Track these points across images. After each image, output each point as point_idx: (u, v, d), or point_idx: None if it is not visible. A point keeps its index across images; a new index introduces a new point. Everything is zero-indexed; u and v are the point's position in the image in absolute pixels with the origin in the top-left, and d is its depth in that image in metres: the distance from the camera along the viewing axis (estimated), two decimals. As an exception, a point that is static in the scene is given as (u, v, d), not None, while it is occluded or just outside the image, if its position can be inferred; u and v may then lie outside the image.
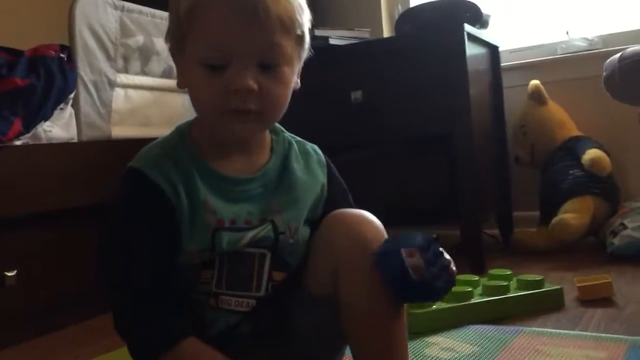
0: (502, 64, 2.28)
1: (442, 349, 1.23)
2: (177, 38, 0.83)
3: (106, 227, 0.86)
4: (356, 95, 2.02)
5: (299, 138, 0.96)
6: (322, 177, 0.93)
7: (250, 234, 0.85)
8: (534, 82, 2.28)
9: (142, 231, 0.82)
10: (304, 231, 0.89)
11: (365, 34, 2.25)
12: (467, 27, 1.89)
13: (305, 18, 0.83)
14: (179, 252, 0.83)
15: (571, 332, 1.28)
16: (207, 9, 0.78)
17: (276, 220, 0.86)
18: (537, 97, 2.27)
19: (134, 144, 1.98)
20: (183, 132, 0.88)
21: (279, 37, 0.79)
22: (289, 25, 0.80)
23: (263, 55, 0.79)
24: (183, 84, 0.85)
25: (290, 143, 0.93)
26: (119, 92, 1.92)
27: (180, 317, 0.81)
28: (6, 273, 1.58)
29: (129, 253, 0.82)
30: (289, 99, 0.86)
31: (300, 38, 0.84)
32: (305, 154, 0.94)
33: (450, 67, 1.87)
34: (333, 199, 0.93)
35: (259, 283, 0.86)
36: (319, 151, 0.96)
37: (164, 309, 0.80)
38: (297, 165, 0.91)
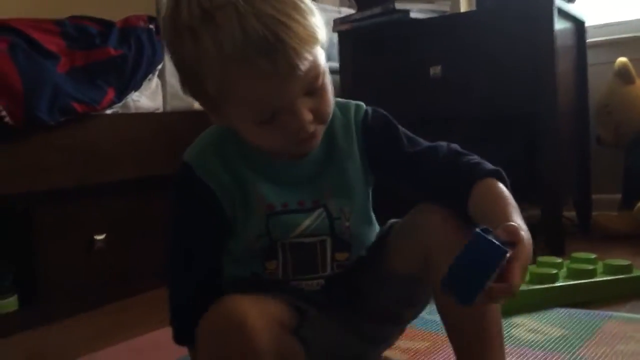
0: (587, 40, 2.19)
1: (529, 331, 1.22)
2: (210, 106, 0.79)
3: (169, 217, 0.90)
4: (435, 70, 1.99)
5: (342, 100, 0.91)
6: (359, 142, 0.89)
7: (306, 222, 0.85)
8: (621, 59, 2.19)
9: (189, 227, 0.86)
10: (358, 210, 0.89)
11: (445, 6, 2.20)
12: (557, 0, 1.82)
13: (318, 18, 0.75)
14: (237, 241, 0.86)
15: (664, 320, 1.24)
16: (237, 75, 0.71)
17: (329, 206, 0.86)
18: (623, 76, 2.17)
19: (216, 115, 2.03)
20: None
21: (313, 66, 0.73)
22: (315, 46, 0.73)
23: (305, 88, 0.75)
24: (221, 124, 0.83)
25: (333, 114, 0.86)
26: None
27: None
28: (95, 237, 1.65)
29: (177, 249, 0.88)
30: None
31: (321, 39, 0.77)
32: (345, 114, 0.89)
33: (537, 42, 1.81)
34: (382, 158, 0.89)
35: (324, 265, 0.88)
36: (360, 108, 0.90)
37: (199, 307, 0.80)
38: (340, 132, 0.88)
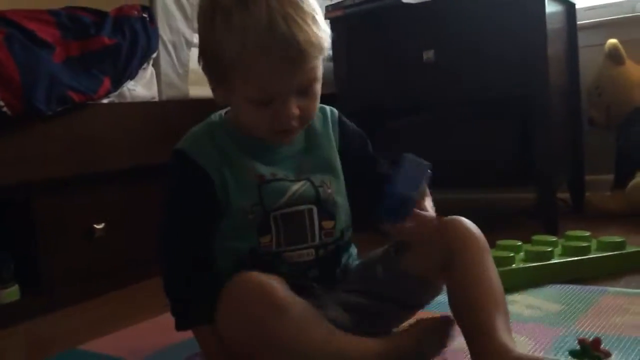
0: (578, 22, 2.21)
1: (527, 307, 1.24)
2: (217, 76, 0.91)
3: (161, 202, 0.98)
4: (428, 55, 2.00)
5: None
6: (336, 133, 1.03)
7: (294, 187, 0.96)
8: (612, 41, 2.20)
9: (184, 205, 0.95)
10: (338, 184, 1.01)
11: (436, -9, 2.20)
12: (547, -17, 1.84)
13: (327, 34, 0.90)
14: (231, 219, 0.94)
15: (658, 293, 1.27)
16: (253, 58, 0.84)
17: (312, 178, 0.98)
18: (614, 57, 2.19)
19: (211, 104, 2.04)
20: (220, 114, 1.01)
21: (314, 68, 0.88)
22: (320, 55, 0.88)
23: (302, 86, 0.89)
24: (223, 103, 0.96)
25: None
26: (195, 52, 1.95)
27: (211, 299, 0.89)
28: (95, 225, 1.66)
29: (172, 228, 0.96)
30: None
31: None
32: (323, 112, 1.03)
33: (528, 25, 1.83)
34: (350, 150, 1.04)
35: (312, 233, 0.97)
36: (334, 110, 1.06)
37: (197, 289, 0.92)
38: (318, 124, 1.02)
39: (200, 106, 1.94)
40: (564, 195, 2.26)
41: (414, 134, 2.05)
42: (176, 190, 0.97)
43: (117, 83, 1.62)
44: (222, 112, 1.02)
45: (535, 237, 1.56)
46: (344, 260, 1.03)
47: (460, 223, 0.96)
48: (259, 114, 0.89)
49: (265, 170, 0.95)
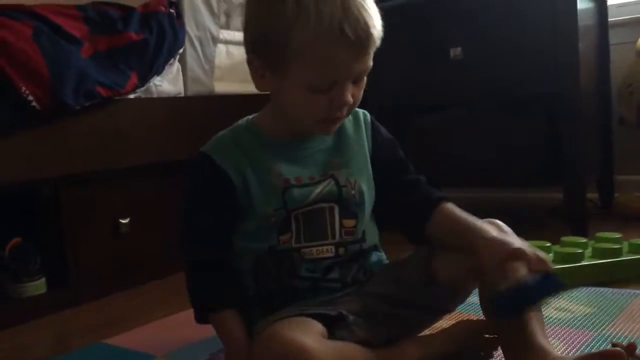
0: (609, 19, 2.17)
1: (557, 309, 1.22)
2: (275, 62, 0.89)
3: (181, 202, 1.01)
4: (455, 52, 1.97)
5: None
6: (368, 136, 1.03)
7: (317, 189, 0.96)
8: (644, 38, 2.16)
9: (204, 206, 0.96)
10: (365, 185, 1.00)
11: (464, -12, 2.18)
12: (579, -20, 1.80)
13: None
14: (252, 220, 0.95)
15: (693, 298, 1.23)
16: (325, 42, 0.84)
17: (337, 176, 0.98)
18: (646, 55, 2.14)
19: (236, 100, 2.05)
20: (247, 119, 1.02)
21: (369, 60, 0.90)
22: (375, 47, 0.90)
23: (360, 74, 0.90)
24: (268, 91, 0.95)
25: None
26: (221, 48, 1.95)
27: (227, 290, 0.94)
28: (120, 220, 1.67)
29: (192, 226, 0.98)
30: None
31: None
32: (355, 115, 1.03)
33: (559, 22, 1.79)
34: (382, 155, 1.03)
35: (332, 231, 0.96)
36: (367, 113, 1.06)
37: (216, 280, 0.94)
38: (348, 125, 1.01)
39: (226, 102, 1.96)
40: (592, 195, 2.22)
41: (441, 131, 2.03)
42: (197, 191, 0.98)
43: (144, 78, 1.62)
44: (250, 117, 1.02)
45: (565, 239, 1.53)
46: (368, 263, 1.01)
47: (497, 225, 0.94)
48: (314, 101, 0.89)
49: (290, 172, 0.95)
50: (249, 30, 0.92)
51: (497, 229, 0.90)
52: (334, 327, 0.87)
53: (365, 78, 0.92)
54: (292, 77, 0.88)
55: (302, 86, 0.88)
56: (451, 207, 0.97)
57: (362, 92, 0.93)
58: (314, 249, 0.95)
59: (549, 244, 1.48)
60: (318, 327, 0.85)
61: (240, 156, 0.95)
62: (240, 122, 1.02)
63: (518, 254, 0.83)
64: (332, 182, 0.97)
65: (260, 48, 0.89)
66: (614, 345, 0.92)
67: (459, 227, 0.93)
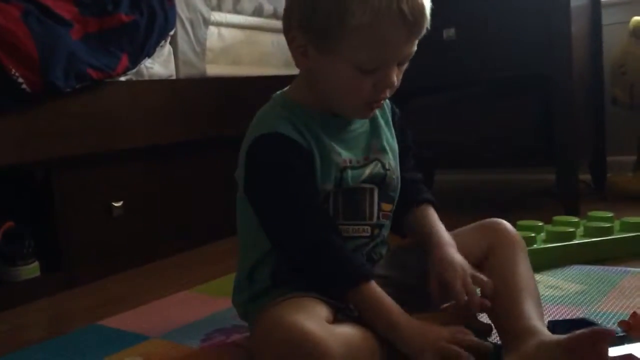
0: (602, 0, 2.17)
1: (548, 287, 1.23)
2: (325, 39, 0.87)
3: (260, 192, 0.93)
4: (449, 33, 1.96)
5: None
6: (392, 121, 1.04)
7: (367, 171, 0.97)
8: (636, 18, 2.15)
9: (299, 182, 0.91)
10: (398, 170, 1.02)
11: (457, -32, 2.16)
12: (570, -41, 1.79)
13: None
14: None
15: (683, 274, 1.24)
16: (384, 21, 0.84)
17: (381, 159, 0.99)
18: (638, 35, 2.14)
19: (228, 82, 2.04)
20: (283, 97, 0.98)
21: (415, 45, 0.90)
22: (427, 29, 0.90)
23: (407, 57, 0.90)
24: (308, 69, 0.93)
25: None
26: (212, 30, 1.94)
27: (363, 260, 0.94)
28: (113, 203, 1.67)
29: (299, 204, 0.91)
30: None
31: None
32: (383, 106, 1.03)
33: (551, 3, 1.79)
34: (402, 139, 1.05)
35: (371, 212, 0.98)
36: (394, 106, 1.07)
37: (348, 254, 0.90)
38: (379, 113, 1.02)
39: (218, 84, 1.95)
40: (585, 176, 2.23)
41: (434, 113, 2.03)
42: (283, 172, 0.91)
43: (135, 61, 1.61)
44: (284, 92, 0.99)
45: (557, 218, 1.54)
46: (384, 250, 1.04)
47: (499, 224, 1.01)
48: (360, 82, 0.88)
49: (345, 153, 0.95)
50: (298, 5, 0.89)
51: (453, 249, 0.94)
52: (338, 310, 0.87)
53: (407, 63, 0.92)
54: (342, 55, 0.87)
55: (351, 65, 0.87)
56: (428, 212, 1.02)
57: (400, 78, 0.92)
58: (351, 228, 0.96)
59: (541, 223, 1.48)
60: (323, 310, 0.84)
61: (302, 131, 0.92)
62: (275, 100, 0.99)
63: (449, 286, 0.88)
64: (379, 165, 0.98)
65: (311, 24, 0.87)
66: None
67: (424, 233, 0.99)
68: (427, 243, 0.97)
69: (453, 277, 0.88)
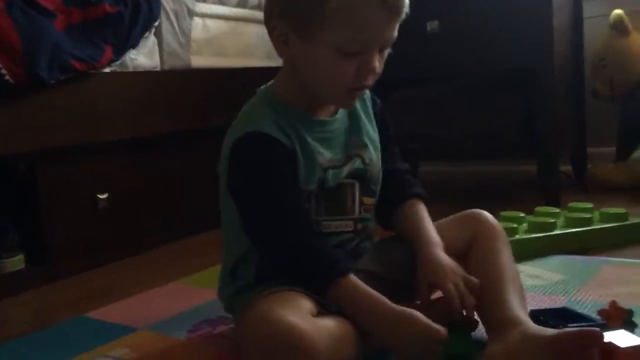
0: (583, -7, 2.19)
1: (529, 276, 1.25)
2: (306, 24, 0.88)
3: (242, 191, 0.93)
4: (432, 25, 1.98)
5: None
6: (373, 113, 1.05)
7: (347, 168, 0.98)
8: (617, 11, 2.18)
9: (282, 182, 0.91)
10: (379, 163, 1.04)
11: (441, -39, 2.17)
12: (553, -47, 1.81)
13: None
14: None
15: (660, 263, 1.28)
16: (363, 4, 0.85)
17: (362, 154, 1.00)
18: (619, 28, 2.17)
19: (213, 74, 2.03)
20: (268, 94, 0.98)
21: (396, 29, 0.90)
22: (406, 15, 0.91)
23: (388, 41, 0.90)
24: (290, 56, 0.93)
25: None
26: (197, 21, 1.93)
27: (341, 255, 0.93)
28: (99, 195, 1.66)
29: (284, 208, 0.91)
30: None
31: None
32: (363, 97, 1.03)
33: (534, -4, 1.81)
34: (383, 130, 1.06)
35: (352, 207, 0.99)
36: (374, 96, 1.07)
37: (328, 250, 0.92)
38: (358, 104, 1.02)
39: (203, 76, 1.95)
40: (566, 168, 2.27)
41: (418, 105, 2.04)
42: (266, 171, 0.91)
43: (119, 52, 1.60)
44: (268, 88, 1.00)
45: (538, 209, 1.57)
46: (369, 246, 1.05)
47: (480, 214, 1.02)
48: (342, 66, 0.88)
49: (327, 154, 0.96)
50: None
51: (439, 250, 0.95)
52: (322, 304, 0.88)
53: (388, 50, 0.92)
54: (323, 39, 0.87)
55: (332, 49, 0.87)
56: (417, 208, 1.02)
57: (383, 64, 0.92)
58: (333, 224, 0.97)
59: (522, 214, 1.51)
60: (307, 304, 0.85)
61: (287, 132, 0.92)
62: (260, 97, 0.99)
63: (441, 289, 0.90)
64: (359, 161, 1.00)
65: (291, 10, 0.88)
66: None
67: (412, 232, 0.99)
68: (415, 242, 0.98)
69: (443, 280, 0.89)
